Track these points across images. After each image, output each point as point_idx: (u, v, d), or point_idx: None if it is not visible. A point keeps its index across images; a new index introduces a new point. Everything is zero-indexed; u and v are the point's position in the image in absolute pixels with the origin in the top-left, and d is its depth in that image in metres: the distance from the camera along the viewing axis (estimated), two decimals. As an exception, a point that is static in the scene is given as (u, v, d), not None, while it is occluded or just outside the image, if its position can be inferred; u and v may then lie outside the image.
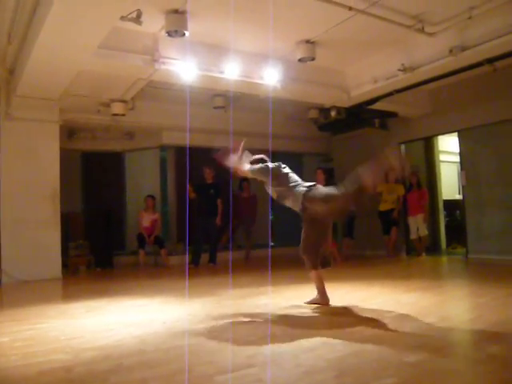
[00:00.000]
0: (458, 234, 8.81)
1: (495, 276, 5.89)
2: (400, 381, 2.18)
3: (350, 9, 5.09)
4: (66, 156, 7.81)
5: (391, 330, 3.13)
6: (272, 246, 9.48)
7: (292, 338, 3.00)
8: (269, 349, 2.81)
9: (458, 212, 9.37)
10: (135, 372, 2.47)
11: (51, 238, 7.11)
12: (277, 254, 9.09)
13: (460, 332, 3.14)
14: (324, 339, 2.94)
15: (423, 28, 5.68)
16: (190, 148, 8.28)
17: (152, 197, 8.91)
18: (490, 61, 6.27)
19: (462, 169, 8.24)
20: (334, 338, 2.96)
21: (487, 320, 3.43)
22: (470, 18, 5.45)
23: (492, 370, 2.29)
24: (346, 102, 7.71)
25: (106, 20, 4.56)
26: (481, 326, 3.30)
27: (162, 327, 3.52)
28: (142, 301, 4.80)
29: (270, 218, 9.59)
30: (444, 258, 8.62)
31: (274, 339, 3.02)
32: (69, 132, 8.82)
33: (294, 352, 2.72)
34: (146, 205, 8.79)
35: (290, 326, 3.40)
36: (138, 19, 4.77)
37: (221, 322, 3.61)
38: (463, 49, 5.80)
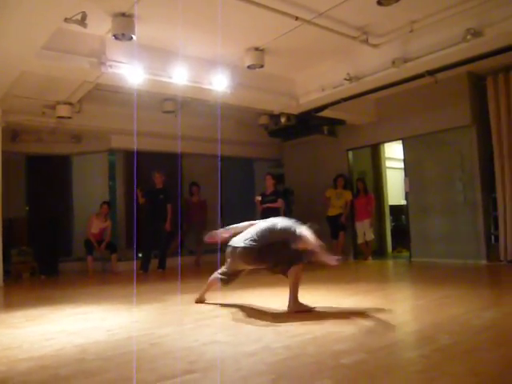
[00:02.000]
0: (403, 238, 9.12)
1: (435, 278, 6.16)
2: (335, 382, 2.25)
3: (297, 19, 5.20)
4: (9, 159, 7.55)
5: (331, 333, 3.21)
6: (222, 251, 9.47)
7: (235, 344, 3.04)
8: (211, 354, 2.83)
9: (403, 217, 9.69)
10: (72, 381, 2.43)
11: (-8, 243, 6.83)
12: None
13: (396, 333, 3.27)
14: (265, 344, 2.99)
15: (367, 39, 5.88)
16: (139, 152, 8.18)
17: (108, 203, 8.72)
18: (430, 73, 6.56)
19: (405, 175, 8.54)
20: (276, 342, 3.01)
21: (422, 321, 3.60)
22: (411, 31, 5.69)
23: (422, 370, 2.41)
24: (295, 109, 7.84)
25: (49, 21, 4.48)
26: (416, 328, 3.45)
27: (105, 335, 3.46)
28: (86, 308, 4.69)
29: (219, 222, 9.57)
30: (389, 262, 8.90)
31: (217, 345, 3.04)
32: (12, 134, 8.51)
33: (236, 357, 2.74)
34: (100, 211, 8.58)
35: (233, 331, 3.42)
36: (82, 21, 4.68)
37: (165, 329, 3.59)
38: (405, 60, 6.05)
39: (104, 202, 8.67)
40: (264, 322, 3.64)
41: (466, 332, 3.13)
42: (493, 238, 7.42)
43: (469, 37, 5.32)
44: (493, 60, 6.34)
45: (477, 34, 5.30)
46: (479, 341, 2.92)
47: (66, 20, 4.60)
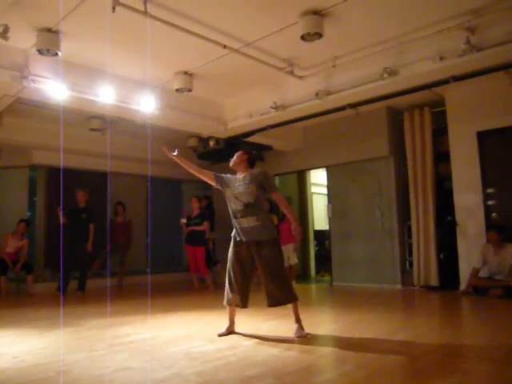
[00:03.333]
0: (326, 262, 9.38)
1: (352, 303, 6.41)
2: (240, 408, 2.29)
3: (225, 47, 5.34)
4: None
5: (245, 358, 3.25)
6: (146, 273, 9.32)
7: (146, 370, 3.00)
8: (121, 381, 2.78)
9: (327, 242, 10.00)
10: (-33, 414, 2.30)
11: None
12: (152, 281, 8.96)
13: (306, 359, 3.36)
14: (177, 370, 2.97)
15: (293, 71, 6.14)
16: (63, 169, 7.93)
17: (25, 221, 8.30)
18: (352, 106, 6.93)
19: (328, 202, 8.86)
20: (188, 368, 3.01)
21: (334, 345, 3.74)
22: (334, 66, 6.01)
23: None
24: (223, 134, 7.96)
25: (-34, 32, 4.30)
26: (327, 352, 3.57)
27: (11, 362, 3.29)
28: (-7, 333, 4.45)
29: (149, 243, 9.45)
30: (312, 286, 9.12)
31: (128, 372, 2.99)
32: None
33: (146, 384, 2.72)
34: (16, 229, 8.16)
35: (146, 357, 3.37)
36: (4, 34, 4.55)
37: (75, 355, 3.47)
38: (328, 93, 6.36)
39: (21, 220, 8.27)
40: (180, 347, 3.62)
41: (371, 356, 3.28)
42: (407, 263, 7.84)
43: (385, 75, 5.70)
44: (409, 97, 6.82)
45: (393, 72, 5.70)
46: (383, 365, 3.07)
47: (-15, 31, 4.46)
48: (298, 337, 3.92)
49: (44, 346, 3.87)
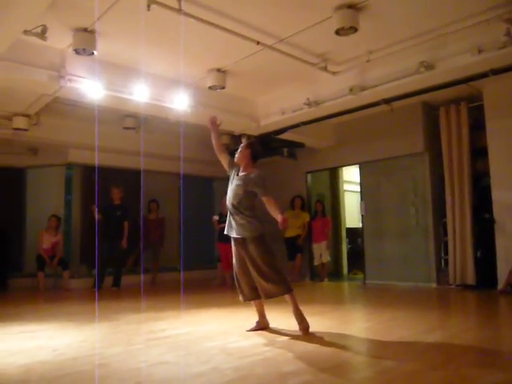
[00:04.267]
0: (358, 260, 9.28)
1: (386, 301, 6.31)
2: (279, 403, 2.28)
3: (258, 43, 5.32)
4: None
5: (281, 354, 3.24)
6: (179, 270, 9.40)
7: (183, 365, 3.02)
8: (159, 375, 2.81)
9: (359, 239, 9.89)
10: (12, 403, 2.36)
11: None
12: (185, 278, 9.05)
13: (343, 355, 3.32)
14: (214, 365, 2.99)
15: (327, 67, 6.06)
16: (98, 168, 8.08)
17: (56, 217, 8.53)
18: (386, 101, 6.81)
19: (361, 199, 8.75)
20: (225, 363, 3.01)
21: (370, 343, 3.68)
22: (368, 60, 5.90)
23: (365, 391, 2.47)
24: (255, 131, 7.95)
25: (7, 32, 4.42)
26: (364, 349, 3.53)
27: (51, 355, 3.37)
28: (33, 327, 4.56)
29: (181, 240, 9.50)
30: (345, 284, 9.04)
31: (166, 366, 3.02)
32: (-35, 144, 8.27)
33: (184, 378, 2.73)
34: (48, 224, 8.39)
35: (183, 352, 3.40)
36: (42, 35, 4.65)
37: (113, 349, 3.53)
38: (362, 88, 6.26)
39: (52, 216, 8.48)
40: (216, 343, 3.64)
41: (410, 354, 3.23)
42: (443, 262, 7.67)
43: (422, 69, 5.57)
44: (445, 91, 6.66)
45: (429, 66, 5.56)
46: (422, 362, 3.01)
47: (25, 32, 4.56)
48: (302, 329, 3.94)
49: (82, 339, 3.95)
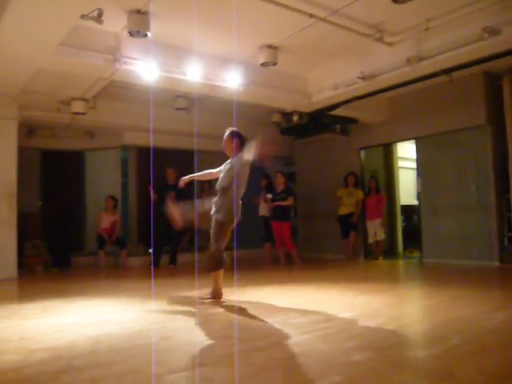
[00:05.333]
0: (414, 238, 9.06)
1: (446, 279, 6.13)
2: (345, 378, 2.26)
3: (311, 16, 5.19)
4: (24, 154, 7.66)
5: (341, 331, 3.22)
6: (232, 248, 9.49)
7: (246, 339, 3.05)
8: (222, 349, 2.86)
9: (415, 217, 9.65)
10: (86, 372, 2.46)
11: (7, 237, 6.95)
12: (239, 256, 9.13)
13: (406, 333, 3.26)
14: (276, 340, 3.01)
15: (382, 37, 5.85)
16: (152, 149, 8.23)
17: (113, 197, 8.80)
18: (446, 71, 6.52)
19: (418, 175, 8.50)
20: (286, 338, 3.03)
21: (432, 321, 3.59)
22: (426, 29, 5.65)
23: (432, 369, 2.41)
24: (307, 108, 7.84)
25: (66, 18, 4.51)
26: (426, 327, 3.44)
27: (118, 328, 3.50)
28: (98, 301, 4.75)
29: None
30: (400, 262, 8.86)
31: (228, 339, 3.07)
32: (28, 129, 8.63)
33: (246, 352, 2.76)
34: (106, 205, 8.69)
35: (244, 327, 3.44)
36: (99, 18, 4.73)
37: (176, 323, 3.62)
38: (420, 59, 6.00)
39: (109, 196, 8.75)
40: (276, 319, 3.66)
41: (476, 332, 3.12)
42: (506, 239, 7.35)
43: (486, 35, 5.27)
44: (509, 59, 6.28)
45: (494, 32, 5.24)
46: (489, 341, 2.91)
47: (82, 17, 4.65)
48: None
49: (145, 314, 4.08)
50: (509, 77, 7.13)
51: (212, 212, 4.60)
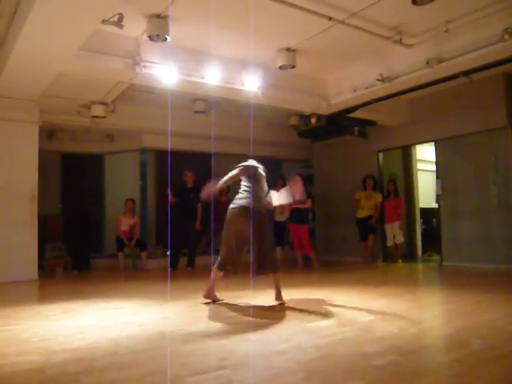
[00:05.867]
0: (433, 241, 8.95)
1: (467, 283, 6.03)
2: (366, 383, 2.24)
3: (330, 19, 5.18)
4: (45, 157, 7.77)
5: (362, 335, 3.20)
6: (249, 251, 9.48)
7: (265, 342, 3.05)
8: (242, 351, 2.86)
9: (434, 220, 9.54)
10: (107, 373, 2.49)
11: (28, 239, 7.06)
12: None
13: (427, 337, 3.23)
14: (296, 343, 3.00)
15: (401, 39, 5.81)
16: (170, 152, 8.30)
17: (132, 200, 8.88)
18: (465, 73, 6.43)
19: (437, 178, 8.40)
20: (306, 342, 3.02)
21: (454, 326, 3.53)
22: (446, 31, 5.59)
23: (455, 374, 2.37)
24: (325, 110, 7.81)
25: (87, 23, 4.57)
26: (448, 331, 3.39)
27: (137, 330, 3.53)
28: (118, 303, 4.79)
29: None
30: (419, 265, 8.76)
31: (248, 342, 3.07)
32: (48, 133, 8.76)
33: (267, 355, 2.76)
34: (125, 208, 8.76)
35: (264, 329, 3.44)
36: (119, 23, 4.78)
37: (196, 326, 3.63)
38: (440, 61, 5.94)
39: (128, 199, 8.82)
40: (294, 322, 3.65)
41: (500, 337, 3.07)
42: (529, 243, 7.23)
43: (506, 36, 5.20)
44: (530, 61, 6.19)
45: (515, 33, 5.18)
46: (510, 347, 2.86)
47: (103, 21, 4.70)
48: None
49: (165, 316, 4.10)
50: (530, 78, 7.03)
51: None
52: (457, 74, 6.37)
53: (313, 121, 8.35)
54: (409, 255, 9.62)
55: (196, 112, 8.50)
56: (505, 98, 7.27)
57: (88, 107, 7.63)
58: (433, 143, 8.53)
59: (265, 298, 4.84)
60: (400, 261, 8.73)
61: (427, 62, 5.95)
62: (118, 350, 2.93)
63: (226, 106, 8.20)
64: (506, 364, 2.52)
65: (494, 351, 2.75)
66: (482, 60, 5.90)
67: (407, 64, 6.27)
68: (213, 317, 3.99)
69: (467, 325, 3.46)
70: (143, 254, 8.55)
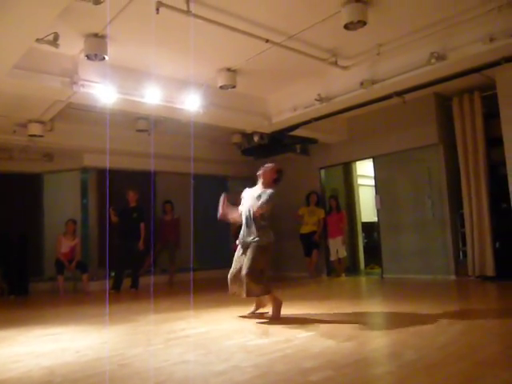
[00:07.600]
0: (375, 255, 9.23)
1: (405, 294, 6.27)
2: (301, 399, 2.29)
3: (267, 41, 5.32)
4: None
5: (300, 351, 3.25)
6: (195, 270, 9.43)
7: (204, 363, 3.05)
8: (181, 374, 2.84)
9: (375, 234, 9.85)
10: (38, 405, 2.40)
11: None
12: (200, 278, 9.10)
13: (363, 350, 3.32)
14: (235, 363, 3.01)
15: (337, 61, 6.03)
16: (112, 170, 8.16)
17: (73, 221, 8.61)
18: (398, 94, 6.76)
19: (376, 193, 8.71)
20: (245, 361, 3.03)
21: (390, 337, 3.67)
22: (378, 53, 5.86)
23: (386, 385, 2.47)
24: (267, 128, 7.96)
25: (20, 41, 4.48)
26: (384, 343, 3.52)
27: (74, 357, 3.43)
28: (55, 329, 4.62)
29: (191, 240, 9.51)
30: (362, 278, 9.01)
31: (187, 364, 3.05)
32: (-17, 152, 8.41)
33: (205, 376, 2.76)
34: (66, 229, 8.48)
35: (203, 350, 3.42)
36: (54, 42, 4.71)
37: (134, 349, 3.57)
38: (373, 82, 6.23)
39: (69, 220, 8.57)
40: (235, 341, 3.66)
41: (431, 347, 3.21)
42: (461, 253, 7.60)
43: (433, 60, 5.53)
44: (458, 81, 6.57)
45: (441, 57, 5.51)
46: (443, 355, 2.99)
47: (37, 40, 4.62)
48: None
49: (103, 340, 4.00)
50: (458, 97, 7.46)
51: (246, 239, 4.87)
52: (390, 94, 6.69)
53: (255, 139, 8.47)
54: (352, 269, 9.89)
55: (138, 130, 8.43)
56: (436, 116, 7.69)
57: (24, 126, 7.39)
58: (371, 159, 8.85)
59: (207, 317, 4.83)
60: (343, 274, 8.94)
61: (361, 83, 6.23)
62: (51, 379, 2.84)
63: (169, 125, 8.18)
64: (436, 373, 2.63)
65: (424, 361, 2.87)
66: (413, 81, 6.24)
67: (343, 85, 6.53)
68: (153, 339, 3.93)
69: (401, 336, 3.60)
70: (84, 277, 8.29)
